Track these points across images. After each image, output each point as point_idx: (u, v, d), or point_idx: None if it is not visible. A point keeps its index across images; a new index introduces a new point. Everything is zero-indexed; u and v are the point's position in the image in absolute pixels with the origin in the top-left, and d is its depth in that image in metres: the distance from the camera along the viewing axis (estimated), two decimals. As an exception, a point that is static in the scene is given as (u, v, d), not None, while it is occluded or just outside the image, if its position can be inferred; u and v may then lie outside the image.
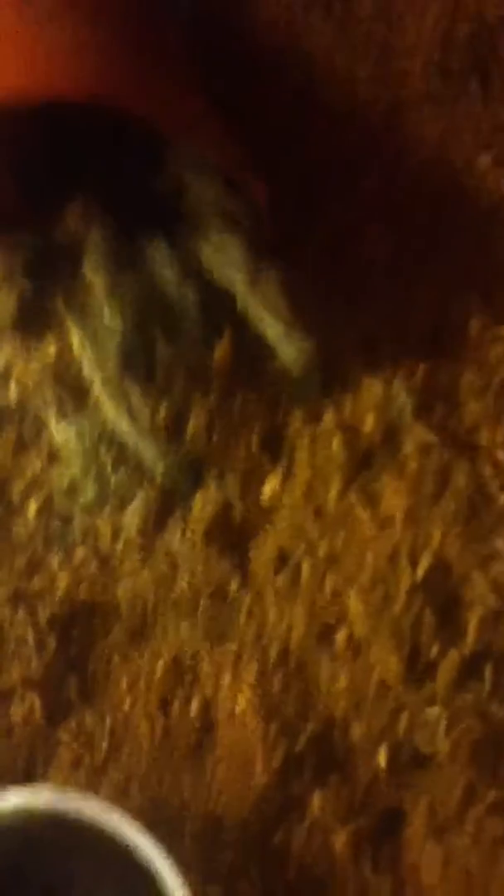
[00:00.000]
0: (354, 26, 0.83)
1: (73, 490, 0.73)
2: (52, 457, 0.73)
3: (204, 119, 0.74)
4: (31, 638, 0.70)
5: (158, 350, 0.71)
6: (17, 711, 0.69)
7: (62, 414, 0.72)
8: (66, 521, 0.73)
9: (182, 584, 0.71)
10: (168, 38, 0.77)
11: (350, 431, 0.73)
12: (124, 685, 0.69)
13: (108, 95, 0.68)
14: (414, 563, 0.70)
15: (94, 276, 0.70)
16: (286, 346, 0.71)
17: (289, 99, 0.82)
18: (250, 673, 0.68)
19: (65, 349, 0.73)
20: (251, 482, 0.72)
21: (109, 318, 0.70)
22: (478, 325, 0.76)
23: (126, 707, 0.69)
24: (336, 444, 0.72)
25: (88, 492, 0.72)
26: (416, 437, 0.73)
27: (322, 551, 0.71)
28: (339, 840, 0.66)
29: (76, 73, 0.69)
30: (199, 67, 0.77)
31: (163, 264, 0.71)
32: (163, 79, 0.73)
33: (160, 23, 0.77)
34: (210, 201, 0.71)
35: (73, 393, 0.72)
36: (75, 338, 0.70)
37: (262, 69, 0.82)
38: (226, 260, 0.70)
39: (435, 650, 0.68)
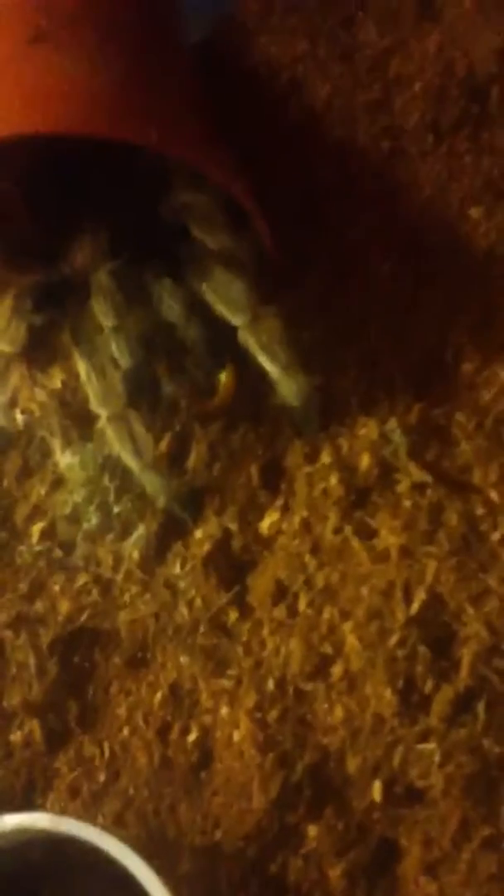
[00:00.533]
0: (354, 83, 0.85)
1: (76, 517, 0.73)
2: (56, 483, 0.74)
3: (210, 146, 0.75)
4: (32, 662, 0.70)
5: (163, 383, 0.72)
6: (16, 736, 0.69)
7: (67, 441, 0.72)
8: (69, 547, 0.73)
9: (181, 613, 0.71)
10: (177, 66, 0.78)
11: (347, 469, 0.74)
12: (123, 713, 0.70)
13: (118, 128, 0.70)
14: (408, 599, 0.70)
15: (102, 310, 0.71)
16: (285, 385, 0.73)
17: (293, 131, 0.83)
18: (248, 703, 0.68)
19: (71, 379, 0.73)
20: (250, 514, 0.73)
21: (116, 352, 0.70)
22: (470, 367, 0.77)
23: (124, 735, 0.69)
24: (333, 480, 0.73)
25: (91, 519, 0.73)
26: (410, 475, 0.73)
27: (319, 584, 0.71)
28: (335, 871, 0.65)
29: (86, 109, 0.71)
30: (207, 95, 0.79)
31: (169, 300, 0.72)
32: (171, 106, 0.74)
33: (169, 52, 0.78)
34: (215, 240, 0.73)
35: (79, 421, 0.73)
36: (82, 370, 0.71)
37: (267, 101, 0.84)
38: (228, 301, 0.71)
39: (429, 685, 0.68)
